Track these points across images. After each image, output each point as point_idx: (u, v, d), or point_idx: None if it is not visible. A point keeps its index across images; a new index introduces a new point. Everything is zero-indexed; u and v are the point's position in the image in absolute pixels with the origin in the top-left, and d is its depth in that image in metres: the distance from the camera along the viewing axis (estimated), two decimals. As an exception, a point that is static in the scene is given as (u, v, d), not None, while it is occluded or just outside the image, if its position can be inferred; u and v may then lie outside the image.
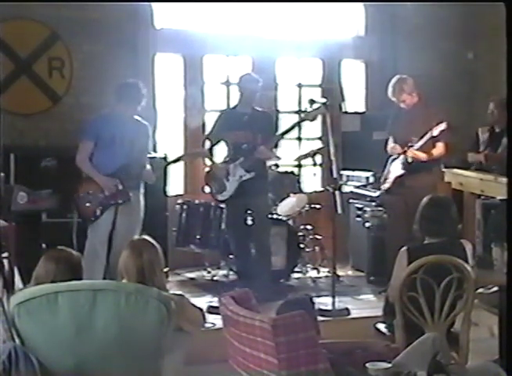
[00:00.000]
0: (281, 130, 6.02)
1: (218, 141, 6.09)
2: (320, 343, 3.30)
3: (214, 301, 5.35)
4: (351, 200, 7.07)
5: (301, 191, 6.95)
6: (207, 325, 3.99)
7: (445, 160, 6.25)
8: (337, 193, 5.50)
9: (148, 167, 5.66)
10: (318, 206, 6.86)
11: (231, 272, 6.46)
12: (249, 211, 6.08)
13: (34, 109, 6.83)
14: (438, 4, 7.78)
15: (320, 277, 6.69)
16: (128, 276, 3.60)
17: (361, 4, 7.94)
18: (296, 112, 7.76)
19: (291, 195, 6.77)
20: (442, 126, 5.76)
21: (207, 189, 6.16)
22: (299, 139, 7.76)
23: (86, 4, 6.73)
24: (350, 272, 7.01)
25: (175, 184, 7.36)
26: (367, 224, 6.69)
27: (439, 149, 5.99)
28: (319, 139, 7.78)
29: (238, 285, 5.38)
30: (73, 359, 3.10)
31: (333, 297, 5.55)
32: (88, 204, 5.45)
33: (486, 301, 5.10)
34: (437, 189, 5.90)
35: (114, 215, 5.41)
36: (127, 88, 5.58)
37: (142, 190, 5.64)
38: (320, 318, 4.84)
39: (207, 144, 6.13)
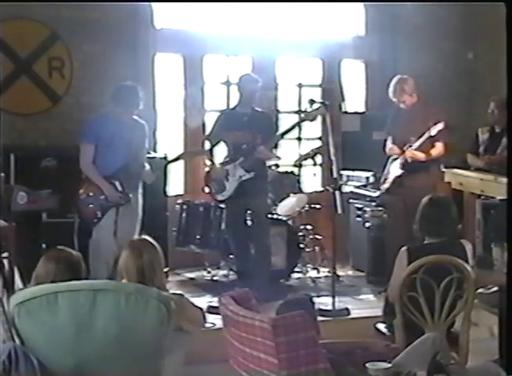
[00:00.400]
0: (281, 130, 6.03)
1: (218, 141, 6.09)
2: (320, 343, 3.30)
3: (214, 301, 5.35)
4: (351, 200, 7.07)
5: (301, 191, 6.94)
6: (207, 325, 3.99)
7: (444, 161, 6.25)
8: (337, 193, 5.50)
9: (147, 166, 5.67)
10: (318, 206, 6.86)
11: (231, 272, 6.46)
12: (249, 211, 6.08)
13: (34, 109, 6.83)
14: (438, 4, 7.78)
15: (320, 277, 6.69)
16: (127, 276, 3.60)
17: (361, 4, 7.94)
18: (296, 112, 7.76)
19: (291, 195, 6.77)
20: (440, 126, 5.76)
21: (207, 190, 6.16)
22: (299, 139, 7.76)
23: (86, 4, 6.73)
24: (350, 272, 7.01)
25: (175, 184, 7.36)
26: (367, 224, 6.70)
27: (438, 149, 5.99)
28: (319, 139, 7.78)
29: (238, 285, 5.38)
30: (73, 359, 3.10)
31: (333, 297, 5.55)
32: (89, 207, 5.48)
33: (486, 301, 5.10)
34: (436, 189, 5.90)
35: (115, 216, 5.45)
36: (124, 92, 5.58)
37: (140, 190, 5.66)
38: (320, 318, 4.84)
39: (207, 144, 6.13)
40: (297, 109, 7.81)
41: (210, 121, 6.61)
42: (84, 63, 6.88)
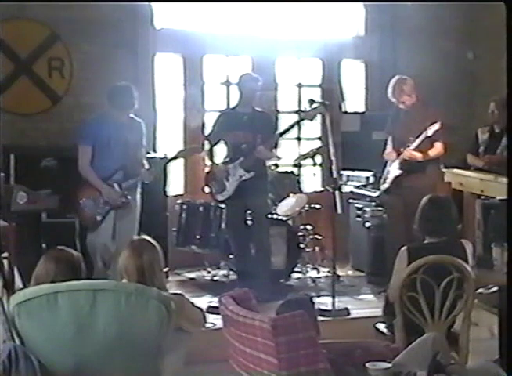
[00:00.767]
0: (280, 130, 6.03)
1: (218, 141, 6.09)
2: (320, 343, 3.30)
3: (214, 301, 5.35)
4: (351, 200, 7.07)
5: (300, 191, 6.95)
6: (207, 325, 3.98)
7: (444, 161, 6.25)
8: (336, 193, 5.50)
9: (146, 165, 5.68)
10: (318, 206, 6.85)
11: (231, 272, 6.46)
12: (249, 211, 6.08)
13: (34, 109, 6.83)
14: (438, 4, 7.78)
15: (320, 277, 6.69)
16: (127, 276, 3.60)
17: (361, 4, 7.94)
18: (296, 112, 7.76)
19: (291, 195, 6.77)
20: (436, 126, 5.77)
21: (207, 190, 6.16)
22: (299, 138, 7.77)
23: (86, 4, 6.73)
24: (350, 272, 7.01)
25: (175, 184, 7.37)
26: (367, 224, 6.70)
27: (437, 149, 6.00)
28: (319, 139, 7.78)
29: (238, 285, 5.38)
30: (73, 359, 3.10)
31: (333, 297, 5.55)
32: (88, 210, 5.50)
33: (486, 301, 5.10)
34: (436, 188, 5.90)
35: (114, 219, 5.48)
36: (118, 92, 5.60)
37: (139, 189, 5.67)
38: (320, 318, 4.83)
39: (207, 144, 6.12)
40: (296, 109, 7.80)
41: (210, 121, 6.61)
42: (84, 63, 6.88)
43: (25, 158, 6.25)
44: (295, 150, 7.70)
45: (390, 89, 6.07)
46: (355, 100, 8.07)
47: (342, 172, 7.15)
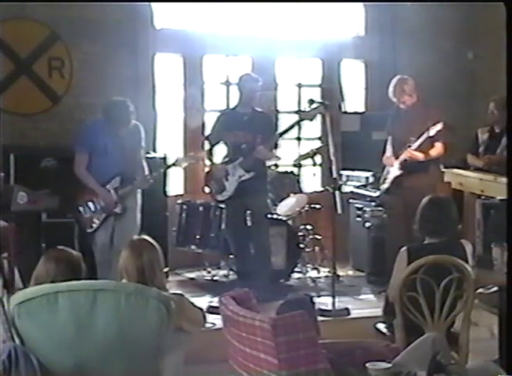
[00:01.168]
0: (280, 130, 6.03)
1: (218, 141, 6.09)
2: (320, 343, 3.30)
3: (214, 301, 5.35)
4: (351, 200, 7.07)
5: (300, 191, 6.95)
6: (207, 325, 3.99)
7: (444, 161, 6.25)
8: (336, 193, 5.50)
9: (145, 168, 5.66)
10: (318, 206, 6.85)
11: (231, 272, 6.46)
12: (248, 211, 6.08)
13: (34, 109, 6.83)
14: (438, 4, 7.78)
15: (320, 277, 6.69)
16: (127, 276, 3.60)
17: (361, 4, 7.94)
18: (296, 112, 7.76)
19: (291, 195, 6.77)
20: (438, 126, 5.77)
21: (207, 190, 6.16)
22: (299, 139, 7.77)
23: (86, 4, 6.73)
24: (350, 272, 7.01)
25: (175, 184, 7.37)
26: (367, 224, 6.70)
27: (437, 149, 5.99)
28: (319, 139, 7.78)
29: (238, 285, 5.38)
30: (73, 359, 3.10)
31: (333, 297, 5.55)
32: (87, 215, 5.51)
33: (486, 301, 5.09)
34: (436, 189, 5.90)
35: (113, 225, 5.49)
36: (114, 108, 5.49)
37: (138, 195, 5.67)
38: (320, 318, 4.84)
39: (207, 144, 6.12)
40: (296, 109, 7.81)
41: (210, 121, 6.62)
42: (84, 63, 6.88)
43: (25, 158, 6.25)
44: (295, 150, 7.70)
45: (391, 89, 6.07)
46: (354, 100, 8.07)
47: (342, 172, 7.16)
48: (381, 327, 4.26)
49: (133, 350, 3.15)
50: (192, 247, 6.71)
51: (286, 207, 6.69)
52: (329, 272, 6.45)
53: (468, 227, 6.07)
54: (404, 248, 4.10)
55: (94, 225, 5.55)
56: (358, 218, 6.91)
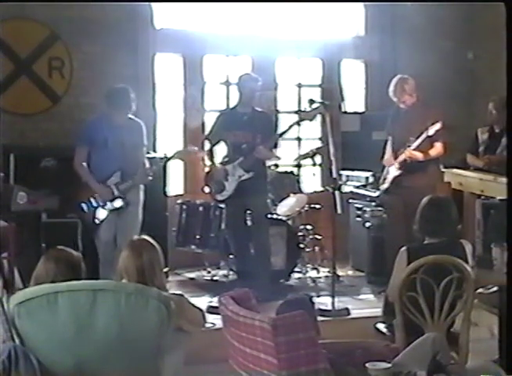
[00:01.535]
0: (280, 130, 6.03)
1: (218, 141, 6.09)
2: (320, 343, 3.30)
3: (214, 301, 5.35)
4: (350, 200, 7.07)
5: (300, 191, 6.95)
6: (207, 325, 3.98)
7: (444, 161, 6.25)
8: (336, 193, 5.50)
9: (147, 164, 5.68)
10: (318, 206, 6.85)
11: (231, 272, 6.46)
12: (248, 211, 6.08)
13: (34, 109, 6.83)
14: (438, 4, 7.78)
15: (320, 277, 6.69)
16: (127, 276, 3.60)
17: (361, 4, 7.94)
18: (295, 112, 7.75)
19: (291, 195, 6.77)
20: (437, 126, 5.76)
21: (207, 190, 6.16)
22: (299, 139, 7.77)
23: (86, 4, 6.73)
24: (350, 272, 7.01)
25: (175, 184, 7.37)
26: (367, 224, 6.70)
27: (437, 149, 5.99)
28: (319, 139, 7.78)
29: (238, 285, 5.38)
30: (73, 359, 3.10)
31: (333, 297, 5.55)
32: (89, 211, 5.52)
33: (486, 301, 5.10)
34: (435, 189, 5.90)
35: (115, 219, 5.49)
36: (116, 94, 5.62)
37: (141, 186, 5.68)
38: (320, 318, 4.84)
39: (207, 144, 6.13)
40: (296, 109, 7.81)
41: (210, 120, 6.61)
42: (84, 63, 6.88)
43: (25, 158, 6.25)
44: (295, 150, 7.70)
45: (391, 88, 6.06)
46: (354, 100, 8.07)
47: (342, 172, 7.16)
48: (381, 327, 4.26)
49: (133, 350, 3.15)
50: (192, 247, 6.71)
51: (286, 207, 6.69)
52: (329, 272, 6.45)
53: (468, 227, 6.06)
54: (404, 248, 4.10)
55: (97, 221, 5.55)
56: (358, 218, 6.91)
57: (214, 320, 4.62)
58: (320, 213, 6.87)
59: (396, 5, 7.73)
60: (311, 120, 5.89)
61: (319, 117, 5.98)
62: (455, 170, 6.55)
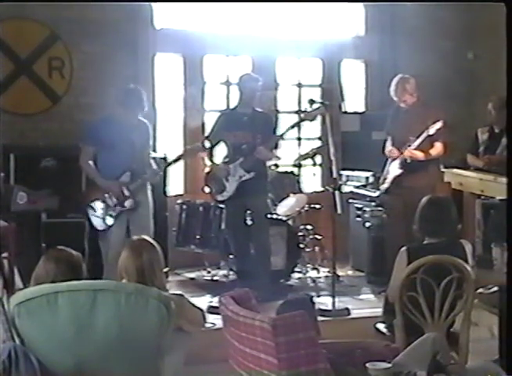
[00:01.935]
0: (281, 130, 6.03)
1: (218, 141, 6.09)
2: (320, 343, 3.30)
3: (214, 301, 5.35)
4: (350, 200, 7.07)
5: (300, 191, 6.95)
6: (207, 325, 3.99)
7: (444, 160, 6.25)
8: (336, 193, 5.50)
9: (153, 166, 5.69)
10: (318, 206, 6.85)
11: (231, 272, 6.46)
12: (248, 211, 6.08)
13: (34, 109, 6.83)
14: (437, 4, 7.78)
15: (320, 277, 6.69)
16: (127, 277, 3.60)
17: (361, 4, 7.94)
18: (296, 112, 7.76)
19: (291, 195, 6.78)
20: (438, 125, 5.77)
21: (207, 190, 6.16)
22: (299, 139, 7.77)
23: (86, 4, 6.73)
24: (350, 272, 7.01)
25: (175, 184, 7.36)
26: (367, 224, 6.70)
27: (437, 148, 6.00)
28: (319, 139, 7.78)
29: (238, 285, 5.38)
30: (73, 359, 3.10)
31: (333, 297, 5.55)
32: (98, 214, 5.50)
33: (486, 301, 5.10)
34: (435, 188, 5.90)
35: (127, 220, 5.48)
36: (129, 95, 5.60)
37: (149, 186, 5.68)
38: (320, 318, 4.85)
39: (207, 144, 6.12)
40: (296, 109, 7.81)
41: (210, 121, 6.61)
42: (84, 63, 6.88)
43: (25, 158, 6.25)
44: (295, 150, 7.70)
45: (393, 87, 6.06)
46: (355, 100, 8.07)
47: (342, 172, 7.16)
48: (381, 327, 4.26)
49: (133, 350, 3.16)
50: (192, 247, 6.71)
51: (286, 207, 6.69)
52: (329, 272, 6.45)
53: (468, 227, 6.07)
54: (404, 248, 4.10)
55: (108, 223, 5.52)
56: (358, 218, 6.91)
57: (214, 320, 4.62)
58: (320, 213, 6.87)
59: (396, 5, 7.73)
60: (311, 120, 5.90)
61: (319, 117, 5.98)
62: (455, 170, 6.55)
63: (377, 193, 6.60)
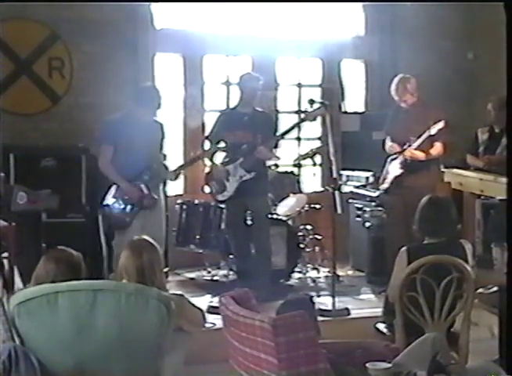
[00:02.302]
0: (281, 130, 6.03)
1: (218, 141, 6.08)
2: (320, 343, 3.30)
3: (214, 301, 5.35)
4: (350, 200, 7.07)
5: (300, 191, 6.95)
6: (207, 325, 3.99)
7: (444, 160, 6.25)
8: (336, 193, 5.50)
9: (168, 166, 5.71)
10: (318, 206, 6.85)
11: (231, 272, 6.45)
12: (249, 211, 6.08)
13: (34, 109, 6.83)
14: (438, 4, 7.78)
15: (320, 277, 6.69)
16: (127, 277, 3.60)
17: (361, 4, 7.94)
18: (296, 112, 7.76)
19: (291, 195, 6.78)
20: (440, 125, 5.77)
21: (207, 190, 6.16)
22: (299, 139, 7.76)
23: (86, 4, 6.73)
24: (350, 272, 7.01)
25: (175, 184, 7.35)
26: (367, 224, 6.70)
27: (437, 148, 5.99)
28: (319, 139, 7.78)
29: (238, 285, 5.38)
30: (73, 359, 3.10)
31: (333, 297, 5.55)
32: (116, 213, 5.48)
33: (486, 301, 5.10)
34: (436, 188, 5.90)
35: (143, 219, 5.47)
36: (147, 93, 5.61)
37: (161, 186, 5.70)
38: (320, 318, 4.84)
39: (207, 144, 6.12)
40: (296, 109, 7.81)
41: (210, 121, 6.61)
42: (84, 63, 6.88)
43: (25, 158, 6.25)
44: (295, 149, 7.69)
45: (393, 87, 6.06)
46: (355, 100, 8.07)
47: (342, 172, 7.16)
48: (381, 327, 4.26)
49: (133, 350, 3.16)
50: (192, 247, 6.70)
51: (286, 207, 6.69)
52: (329, 272, 6.45)
53: (468, 227, 6.08)
54: (404, 248, 4.10)
55: (127, 220, 5.50)
56: (358, 218, 6.91)
57: (214, 320, 4.62)
58: (320, 213, 6.86)
59: (396, 5, 7.73)
60: (312, 120, 5.90)
61: (319, 118, 5.98)
62: (455, 170, 6.55)
63: (377, 193, 6.60)
